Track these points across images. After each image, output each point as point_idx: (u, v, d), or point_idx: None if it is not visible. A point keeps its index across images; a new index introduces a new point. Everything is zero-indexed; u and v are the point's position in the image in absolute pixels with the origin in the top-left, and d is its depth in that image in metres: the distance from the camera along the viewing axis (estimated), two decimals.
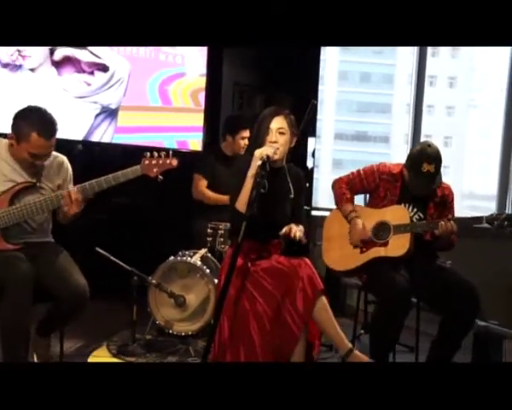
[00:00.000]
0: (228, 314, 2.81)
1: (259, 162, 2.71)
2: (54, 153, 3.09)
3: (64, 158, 3.15)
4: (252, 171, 2.76)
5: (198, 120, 4.99)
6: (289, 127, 2.93)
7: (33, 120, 2.86)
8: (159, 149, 2.99)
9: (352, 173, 3.50)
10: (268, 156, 2.74)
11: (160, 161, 2.94)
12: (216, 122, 4.97)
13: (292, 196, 2.94)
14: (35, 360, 3.15)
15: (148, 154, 2.95)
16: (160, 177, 2.95)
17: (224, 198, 4.00)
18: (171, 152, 2.98)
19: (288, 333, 2.71)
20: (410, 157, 3.32)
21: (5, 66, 4.31)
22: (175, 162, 2.97)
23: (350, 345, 2.80)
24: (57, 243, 3.19)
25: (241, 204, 2.75)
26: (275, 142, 2.86)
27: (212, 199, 4.18)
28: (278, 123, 2.90)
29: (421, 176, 3.22)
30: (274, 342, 2.73)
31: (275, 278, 2.78)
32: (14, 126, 2.91)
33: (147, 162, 2.94)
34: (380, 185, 3.41)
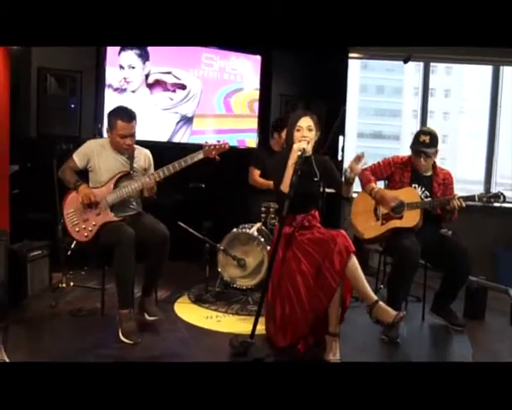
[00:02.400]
0: (278, 273, 2.77)
1: (298, 153, 2.69)
2: (140, 147, 3.22)
3: (148, 151, 3.28)
4: (291, 161, 2.73)
5: (253, 123, 4.94)
6: (315, 125, 2.88)
7: (116, 113, 3.06)
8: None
9: (374, 164, 3.48)
10: (304, 149, 2.71)
11: (217, 146, 3.06)
12: (267, 125, 4.89)
13: (316, 178, 2.85)
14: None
15: (208, 142, 3.09)
16: (218, 157, 3.07)
17: (271, 183, 3.94)
18: (222, 141, 3.11)
19: (327, 286, 2.64)
20: (414, 135, 3.38)
21: (115, 90, 4.37)
22: (227, 146, 3.10)
23: (375, 297, 2.70)
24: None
25: (285, 186, 2.73)
26: (305, 136, 2.82)
27: (262, 184, 4.11)
28: (306, 122, 2.86)
29: (418, 144, 3.27)
30: (316, 294, 2.67)
31: (317, 245, 2.73)
32: (108, 123, 3.10)
33: (207, 148, 3.05)
34: (394, 172, 3.39)
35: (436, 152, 3.29)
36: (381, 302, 2.70)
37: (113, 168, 3.08)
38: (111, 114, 3.08)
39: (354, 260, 2.67)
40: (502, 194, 3.14)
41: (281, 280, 2.79)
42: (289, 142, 2.86)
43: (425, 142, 3.25)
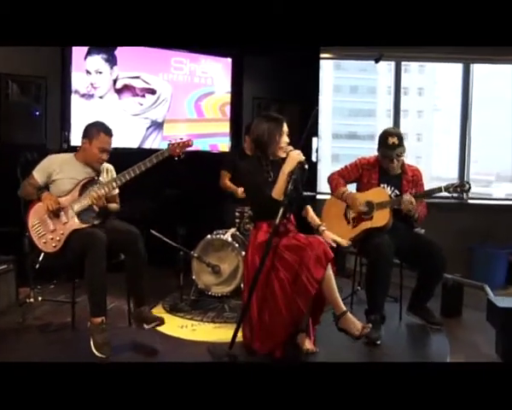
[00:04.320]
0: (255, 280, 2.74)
1: (298, 165, 2.69)
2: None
3: (110, 166, 3.27)
4: (288, 168, 2.70)
5: (225, 127, 4.94)
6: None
7: (100, 125, 3.10)
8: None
9: (342, 168, 3.52)
10: (302, 161, 2.72)
11: (181, 144, 3.12)
12: (239, 129, 4.90)
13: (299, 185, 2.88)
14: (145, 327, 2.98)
15: (172, 141, 3.14)
16: (182, 154, 3.11)
17: (234, 188, 4.05)
18: (185, 138, 3.18)
19: (304, 291, 2.65)
20: (379, 139, 3.38)
21: (82, 96, 4.29)
22: (191, 142, 3.16)
23: (345, 308, 2.72)
24: None
25: (278, 193, 2.71)
26: (288, 143, 2.85)
27: (229, 189, 4.13)
28: (286, 127, 2.88)
29: (389, 148, 3.28)
30: (293, 300, 2.67)
31: (293, 251, 2.71)
32: (86, 133, 3.10)
33: (171, 146, 3.10)
34: (362, 174, 3.43)
35: (404, 149, 3.33)
36: (349, 314, 2.71)
37: (76, 178, 3.05)
38: (93, 124, 3.11)
39: (330, 272, 2.70)
40: (467, 183, 3.20)
41: (258, 287, 2.75)
42: (272, 148, 2.83)
43: (394, 144, 3.26)
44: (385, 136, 3.32)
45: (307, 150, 4.80)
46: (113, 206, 3.20)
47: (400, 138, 3.28)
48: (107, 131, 3.08)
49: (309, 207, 3.05)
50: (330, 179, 3.47)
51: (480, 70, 5.45)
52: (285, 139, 2.85)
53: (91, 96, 4.34)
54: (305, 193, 3.16)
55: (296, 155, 2.72)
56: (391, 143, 3.27)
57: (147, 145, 4.62)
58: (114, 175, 3.21)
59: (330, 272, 2.70)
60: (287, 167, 2.71)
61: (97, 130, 3.06)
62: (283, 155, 2.82)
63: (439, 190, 3.22)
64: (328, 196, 3.68)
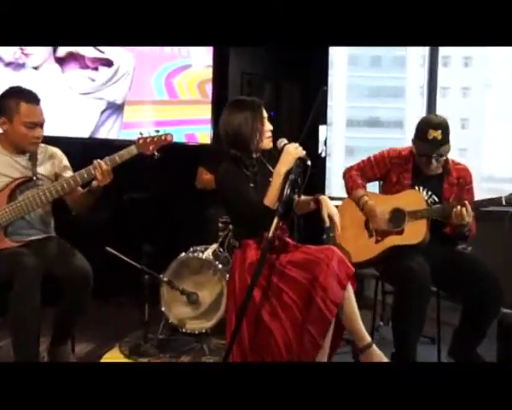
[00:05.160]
0: (249, 313, 2.69)
1: (296, 162, 2.70)
2: (44, 145, 3.14)
3: (55, 148, 3.20)
4: (284, 167, 2.72)
5: (205, 112, 4.96)
6: None
7: (16, 93, 2.96)
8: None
9: (363, 161, 3.49)
10: (302, 157, 2.73)
11: (155, 138, 3.03)
12: None
13: (271, 179, 2.86)
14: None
15: (144, 133, 3.03)
16: (157, 153, 3.04)
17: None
18: (163, 131, 3.08)
19: (320, 319, 2.63)
20: (416, 129, 3.29)
21: (8, 65, 4.30)
22: (170, 138, 3.08)
23: (370, 339, 2.75)
24: (68, 242, 3.16)
25: (272, 200, 2.72)
26: (271, 130, 2.90)
27: (207, 182, 4.14)
28: (265, 111, 2.91)
29: (429, 144, 3.18)
30: (306, 331, 2.64)
31: (302, 268, 2.71)
32: (1, 110, 2.97)
33: (141, 141, 3.01)
34: (391, 170, 3.39)
35: (449, 147, 3.26)
36: (375, 346, 2.74)
37: (7, 175, 2.99)
38: (6, 95, 2.98)
39: (350, 291, 2.71)
40: None
41: (255, 323, 2.72)
42: (256, 140, 2.85)
43: (436, 139, 3.16)
44: (424, 126, 3.22)
45: (312, 142, 4.85)
46: None
47: (445, 131, 3.18)
48: (30, 98, 2.95)
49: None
50: (347, 176, 3.46)
51: None
52: (268, 126, 2.89)
53: (21, 65, 4.36)
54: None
55: (293, 150, 2.73)
56: (431, 137, 3.17)
57: (101, 134, 4.65)
58: (66, 161, 3.17)
59: (351, 292, 2.71)
60: (282, 167, 2.72)
61: (15, 101, 2.93)
62: (269, 146, 2.88)
63: (498, 201, 3.11)
64: (340, 202, 3.66)
